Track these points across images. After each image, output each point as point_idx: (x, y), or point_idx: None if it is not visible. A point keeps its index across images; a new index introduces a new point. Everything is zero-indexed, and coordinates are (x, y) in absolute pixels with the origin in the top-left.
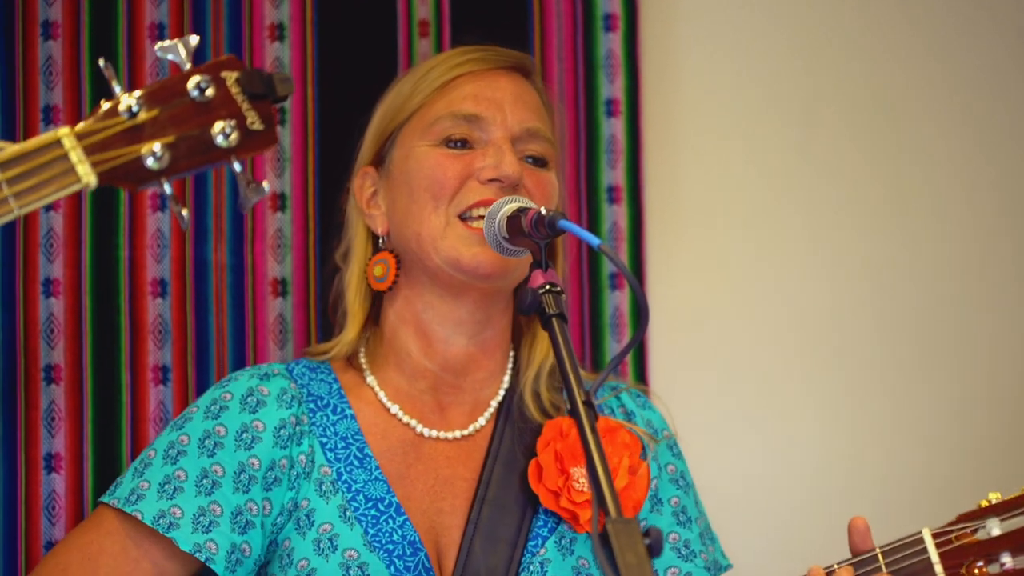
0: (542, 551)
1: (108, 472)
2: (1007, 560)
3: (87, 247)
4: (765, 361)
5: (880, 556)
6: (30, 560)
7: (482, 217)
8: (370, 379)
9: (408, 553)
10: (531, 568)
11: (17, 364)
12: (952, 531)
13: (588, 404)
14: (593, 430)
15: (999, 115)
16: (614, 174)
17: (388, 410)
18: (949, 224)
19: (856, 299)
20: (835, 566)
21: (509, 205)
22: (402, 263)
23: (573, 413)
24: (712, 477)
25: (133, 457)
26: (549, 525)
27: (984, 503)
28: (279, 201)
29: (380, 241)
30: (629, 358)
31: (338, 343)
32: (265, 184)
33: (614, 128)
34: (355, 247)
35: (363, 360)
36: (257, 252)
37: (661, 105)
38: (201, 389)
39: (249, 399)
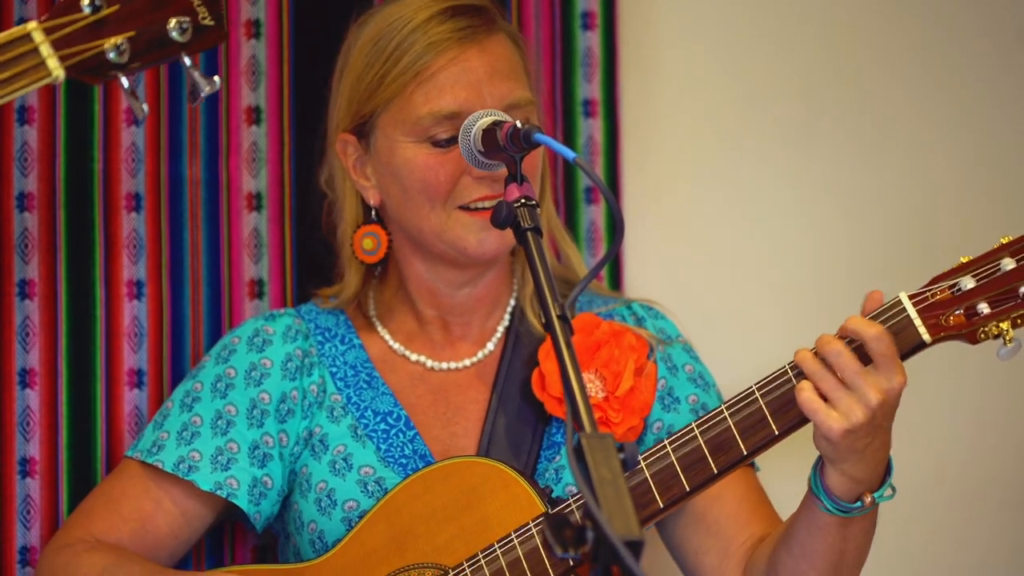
0: (557, 458)
1: (82, 387)
2: (984, 308)
3: (61, 161)
4: (739, 275)
5: None
6: (5, 566)
7: (488, 209)
8: (378, 325)
9: (422, 466)
10: (546, 475)
11: None
12: (928, 291)
13: (563, 318)
14: (568, 345)
15: (978, 43)
16: (590, 88)
17: (397, 351)
18: (928, 156)
19: (829, 215)
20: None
21: (484, 119)
22: (395, 238)
23: (548, 327)
24: None
25: (106, 375)
26: (563, 432)
27: (957, 264)
28: (254, 115)
29: (373, 212)
30: (605, 272)
31: (343, 289)
32: (216, 78)
33: (590, 41)
34: (346, 209)
35: (371, 307)
36: (232, 166)
37: (638, 18)
38: (176, 304)
39: (255, 339)
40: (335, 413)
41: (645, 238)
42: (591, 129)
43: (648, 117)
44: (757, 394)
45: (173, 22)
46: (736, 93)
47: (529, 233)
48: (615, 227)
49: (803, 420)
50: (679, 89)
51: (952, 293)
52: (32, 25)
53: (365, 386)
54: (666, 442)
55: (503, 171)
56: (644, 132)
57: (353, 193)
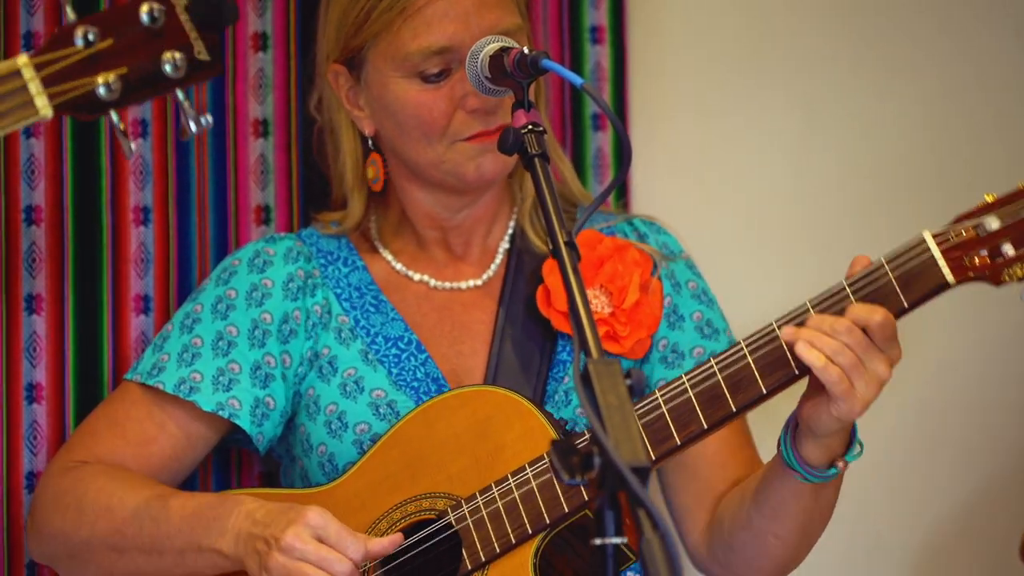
0: (566, 379)
1: (88, 313)
2: (1008, 249)
3: None
4: (747, 201)
5: (885, 263)
6: (11, 491)
7: (486, 133)
8: (381, 247)
9: (433, 390)
10: (556, 397)
11: None
12: (951, 230)
13: (570, 245)
14: (575, 271)
15: None
16: (597, 14)
17: (400, 272)
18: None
19: (842, 143)
20: (843, 281)
21: (492, 44)
22: (392, 165)
23: (555, 254)
24: None
25: (113, 301)
26: (570, 350)
27: (980, 204)
28: (260, 41)
29: (369, 142)
30: (611, 199)
31: (346, 216)
32: (208, 117)
33: None
34: (344, 139)
35: (373, 230)
36: (238, 93)
37: None
38: (182, 230)
39: (256, 261)
40: (343, 336)
41: (652, 165)
42: (598, 55)
43: (655, 44)
44: (778, 331)
45: (168, 56)
46: (745, 20)
47: (536, 159)
48: (622, 154)
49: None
50: (687, 15)
51: (977, 233)
52: (23, 60)
53: (373, 310)
54: (684, 378)
55: (497, 103)
56: (651, 59)
57: (348, 123)
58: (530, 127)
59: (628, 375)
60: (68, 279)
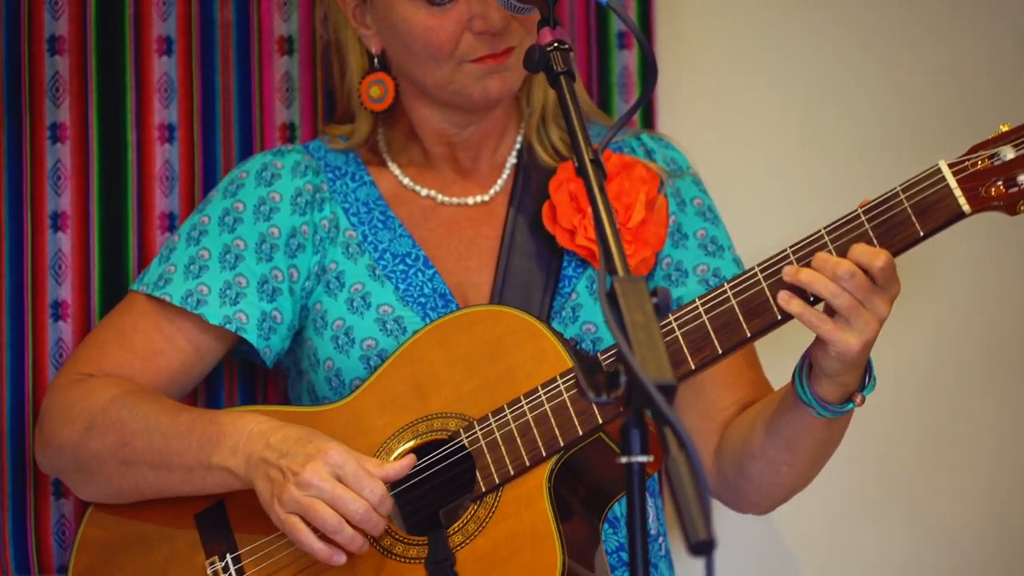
0: (573, 295)
1: (114, 231)
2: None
3: (92, 4)
4: (770, 119)
5: (900, 192)
6: (36, 317)
7: (492, 56)
8: (389, 161)
9: (440, 305)
10: (563, 314)
11: (23, 123)
12: (967, 160)
13: (596, 163)
14: (601, 189)
15: None
16: None
17: (407, 186)
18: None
19: (867, 68)
20: (858, 209)
21: None
22: (400, 83)
23: (581, 172)
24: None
25: (138, 219)
26: (575, 267)
27: (995, 134)
28: None
29: (375, 60)
30: (637, 118)
31: (353, 133)
32: None
33: None
34: (350, 57)
35: (381, 145)
36: (263, 10)
37: None
38: (207, 148)
39: (264, 174)
40: (351, 250)
41: (677, 83)
42: None
43: None
44: (792, 257)
45: None
46: None
47: (562, 77)
48: (648, 72)
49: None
50: None
51: (992, 163)
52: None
53: (380, 225)
54: (698, 302)
55: (504, 26)
56: None
57: (355, 40)
58: (556, 44)
59: (654, 293)
60: (93, 196)
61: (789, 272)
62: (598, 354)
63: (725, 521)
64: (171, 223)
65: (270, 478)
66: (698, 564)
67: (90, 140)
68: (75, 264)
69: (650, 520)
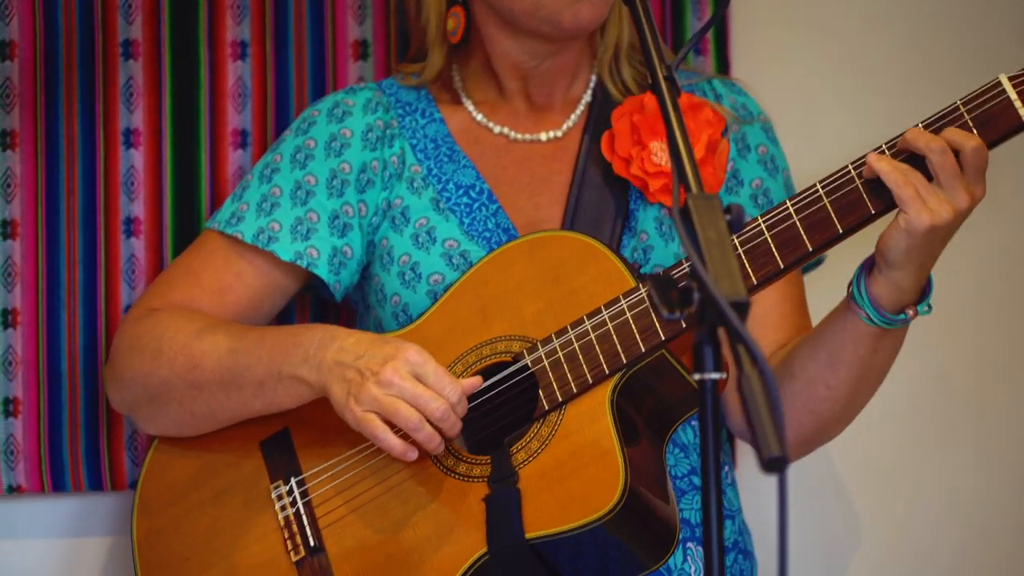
0: (643, 236)
1: (186, 149)
2: None
3: None
4: (850, 39)
5: (961, 105)
6: (110, 323)
7: None
8: (463, 96)
9: (505, 239)
10: (634, 254)
11: (95, 39)
12: None
13: (669, 79)
14: (674, 105)
15: None
16: None
17: (480, 123)
18: None
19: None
20: (919, 123)
21: None
22: (479, 14)
23: (654, 88)
24: (793, 163)
25: (211, 136)
26: (645, 206)
27: None
28: None
29: None
30: (710, 39)
31: (426, 68)
32: None
33: None
34: None
35: (455, 80)
36: None
37: None
38: (280, 67)
39: (335, 111)
40: (415, 185)
41: (751, 5)
42: None
43: None
44: (853, 173)
45: None
46: None
47: None
48: None
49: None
50: None
51: None
52: None
53: (446, 159)
54: (759, 219)
55: None
56: None
57: None
58: None
59: (728, 210)
60: (165, 114)
61: (873, 157)
62: (670, 271)
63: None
64: (243, 140)
65: (346, 379)
66: (762, 493)
67: (162, 57)
68: (148, 180)
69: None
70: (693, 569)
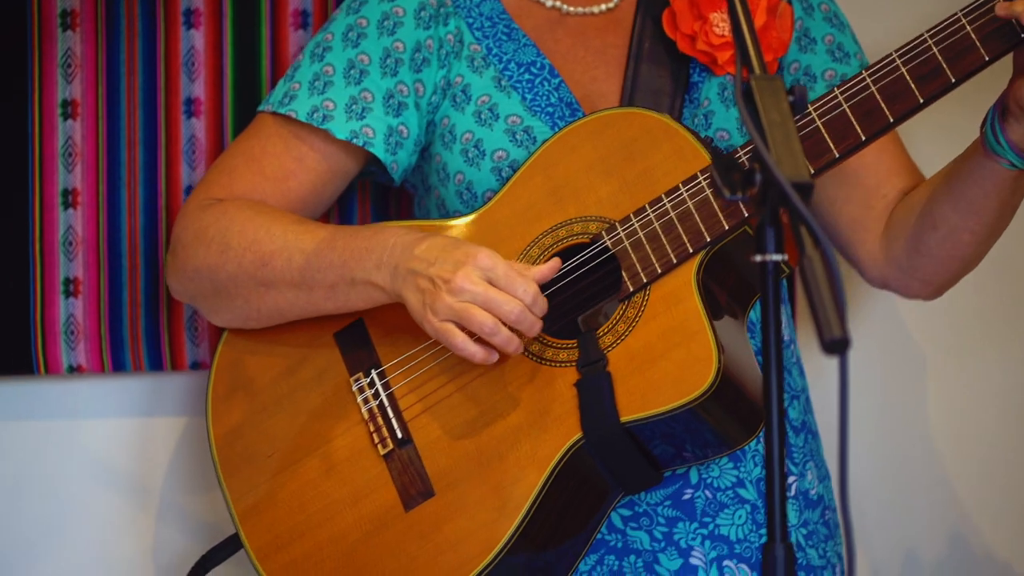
0: (705, 103)
1: (247, 29)
2: None
3: None
4: None
5: None
6: (171, 204)
7: None
8: None
9: (567, 115)
10: (695, 121)
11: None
12: None
13: None
14: None
15: None
16: None
17: None
18: None
19: None
20: None
21: None
22: None
23: None
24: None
25: (271, 16)
26: (704, 75)
27: None
28: None
29: None
30: None
31: None
32: None
33: None
34: None
35: None
36: None
37: None
38: None
39: None
40: (475, 63)
41: None
42: None
43: None
44: (930, 41)
45: None
46: None
47: None
48: None
49: (981, 68)
50: None
51: None
52: None
53: (504, 38)
54: (836, 91)
55: None
56: None
57: None
58: None
59: (791, 91)
60: None
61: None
62: (734, 151)
63: (852, 327)
64: (304, 20)
65: (420, 288)
66: (827, 372)
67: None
68: (208, 61)
69: (782, 327)
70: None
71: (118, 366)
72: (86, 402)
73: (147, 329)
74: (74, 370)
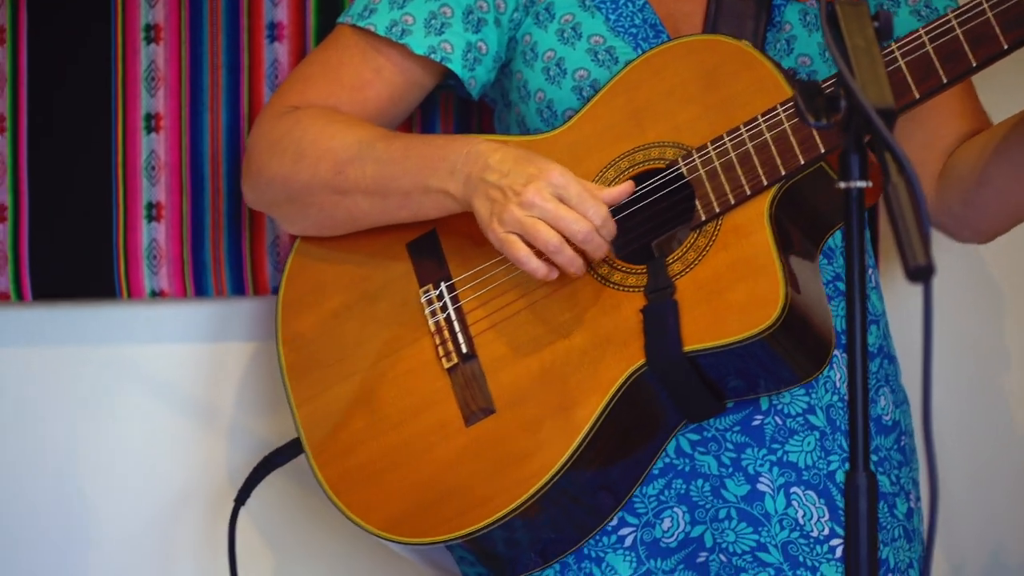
0: (787, 27)
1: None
2: None
3: None
4: None
5: None
6: (252, 40)
7: None
8: None
9: (651, 36)
10: (777, 46)
11: None
12: None
13: None
14: None
15: None
16: None
17: None
18: None
19: None
20: None
21: None
22: None
23: None
24: None
25: None
26: (792, 2)
27: None
28: None
29: None
30: None
31: None
32: None
33: None
34: None
35: None
36: None
37: None
38: None
39: None
40: None
41: None
42: None
43: None
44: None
45: None
46: None
47: None
48: None
49: None
50: None
51: None
52: None
53: None
54: (921, 31)
55: None
56: None
57: None
58: None
59: (876, 17)
60: None
61: None
62: (818, 81)
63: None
64: None
65: (490, 198)
66: (906, 297)
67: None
68: (290, 72)
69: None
70: (838, 377)
71: (200, 291)
72: (166, 325)
73: (229, 253)
74: (156, 294)
